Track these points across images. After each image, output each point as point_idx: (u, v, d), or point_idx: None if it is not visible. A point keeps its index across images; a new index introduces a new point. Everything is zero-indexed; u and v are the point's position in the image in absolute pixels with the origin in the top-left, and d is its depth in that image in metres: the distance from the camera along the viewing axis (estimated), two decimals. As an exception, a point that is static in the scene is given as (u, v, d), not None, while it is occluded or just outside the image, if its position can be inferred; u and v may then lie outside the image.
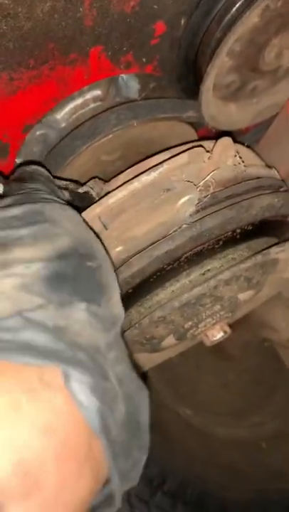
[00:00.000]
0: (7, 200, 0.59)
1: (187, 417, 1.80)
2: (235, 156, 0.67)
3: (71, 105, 0.87)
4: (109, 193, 0.65)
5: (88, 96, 0.87)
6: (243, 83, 0.91)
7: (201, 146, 0.66)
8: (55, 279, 0.48)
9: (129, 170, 0.73)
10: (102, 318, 0.51)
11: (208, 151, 0.66)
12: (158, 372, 1.77)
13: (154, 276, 0.70)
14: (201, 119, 0.89)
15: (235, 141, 0.79)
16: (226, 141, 0.66)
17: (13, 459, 0.39)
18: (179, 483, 1.60)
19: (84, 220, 0.59)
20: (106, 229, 0.64)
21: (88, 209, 0.65)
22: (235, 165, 0.67)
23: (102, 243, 0.58)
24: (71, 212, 0.58)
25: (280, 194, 0.71)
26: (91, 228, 0.58)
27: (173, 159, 0.64)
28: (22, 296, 0.46)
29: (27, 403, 0.40)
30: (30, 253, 0.50)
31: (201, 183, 0.64)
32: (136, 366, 0.58)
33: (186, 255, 0.69)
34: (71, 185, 0.71)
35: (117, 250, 0.65)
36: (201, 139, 0.88)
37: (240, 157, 0.68)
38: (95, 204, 0.65)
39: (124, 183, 0.65)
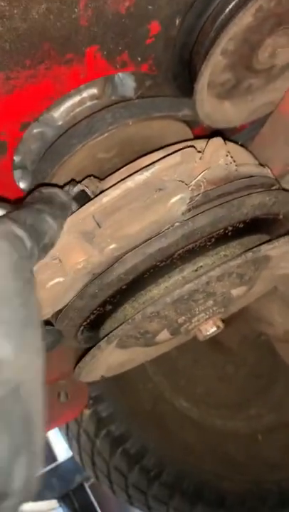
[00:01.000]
0: None
1: (185, 409, 1.82)
2: (227, 155, 0.68)
3: (68, 103, 0.89)
4: (103, 191, 0.66)
5: (85, 94, 0.89)
6: (237, 81, 0.92)
7: (192, 146, 0.68)
8: None
9: (122, 169, 0.74)
10: None
11: (199, 151, 0.67)
12: (156, 365, 1.79)
13: (148, 273, 0.71)
14: (196, 118, 0.91)
15: (228, 139, 0.80)
16: (217, 141, 0.68)
17: None
18: (176, 474, 1.62)
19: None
20: (99, 227, 0.66)
21: (82, 207, 0.67)
22: (227, 164, 0.69)
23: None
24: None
25: (271, 192, 0.72)
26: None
27: (165, 159, 0.65)
28: None
29: None
30: None
31: (193, 183, 0.65)
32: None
33: (178, 252, 0.70)
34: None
35: (111, 248, 0.67)
36: (196, 137, 0.89)
37: (232, 156, 0.69)
38: (89, 203, 0.66)
39: (118, 182, 0.66)
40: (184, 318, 0.81)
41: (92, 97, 0.89)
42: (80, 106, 0.89)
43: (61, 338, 0.85)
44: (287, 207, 0.76)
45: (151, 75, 0.88)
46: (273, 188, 0.78)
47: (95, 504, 2.76)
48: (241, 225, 0.73)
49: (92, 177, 0.77)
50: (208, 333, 0.84)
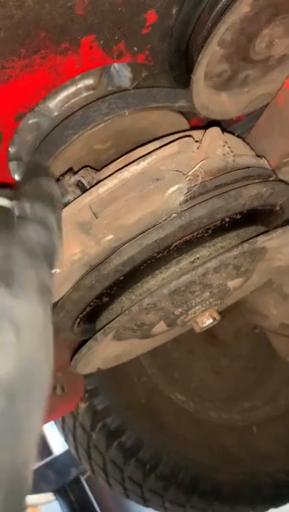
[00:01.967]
0: None
1: (180, 402, 1.83)
2: (224, 145, 0.68)
3: (64, 94, 0.88)
4: (99, 182, 0.66)
5: (80, 85, 0.88)
6: (234, 72, 0.92)
7: (190, 136, 0.67)
8: None
9: (119, 159, 0.74)
10: None
11: (197, 141, 0.67)
12: (151, 358, 1.80)
13: (145, 264, 0.71)
14: (193, 109, 0.90)
15: (225, 130, 0.80)
16: (215, 131, 0.67)
17: None
18: (172, 466, 1.63)
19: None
20: (96, 217, 0.65)
21: (78, 198, 0.67)
22: (224, 154, 0.68)
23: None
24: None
25: (268, 183, 0.72)
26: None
27: (162, 149, 0.65)
28: None
29: None
30: None
31: (190, 173, 0.65)
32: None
33: (175, 244, 0.70)
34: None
35: (108, 239, 0.66)
36: (193, 128, 0.89)
37: (229, 147, 0.69)
38: (86, 193, 0.66)
39: (115, 172, 0.66)
40: (180, 310, 0.81)
41: (88, 88, 0.88)
42: (75, 96, 0.88)
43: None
44: (283, 198, 0.76)
45: (148, 65, 0.87)
46: (270, 179, 0.78)
47: (91, 497, 2.77)
48: (238, 216, 0.72)
49: (88, 167, 0.77)
50: (204, 325, 0.84)
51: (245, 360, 2.00)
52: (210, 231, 0.72)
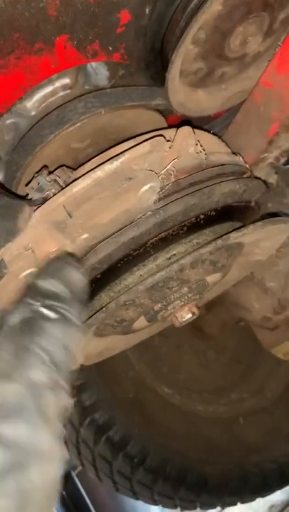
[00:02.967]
0: None
1: (167, 395, 1.85)
2: (197, 144, 0.69)
3: (41, 93, 0.88)
4: (73, 181, 0.66)
5: (57, 84, 0.88)
6: (210, 70, 0.93)
7: (162, 135, 0.68)
8: None
9: (95, 158, 0.75)
10: None
11: (168, 140, 0.68)
12: (138, 353, 1.81)
13: (122, 262, 0.72)
14: (170, 106, 0.91)
15: (200, 128, 0.81)
16: (186, 130, 0.68)
17: None
18: (160, 459, 1.65)
19: None
20: (70, 217, 0.66)
21: (53, 197, 0.67)
22: (197, 153, 0.69)
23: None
24: None
25: (242, 180, 0.74)
26: None
27: (134, 148, 0.66)
28: None
29: None
30: None
31: (163, 172, 0.66)
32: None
33: (151, 241, 0.71)
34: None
35: (83, 237, 0.67)
36: (170, 126, 0.90)
37: (202, 145, 0.70)
38: (59, 193, 0.67)
39: (88, 171, 0.66)
40: (159, 305, 0.82)
41: (64, 87, 0.88)
42: (52, 96, 0.88)
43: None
44: (258, 194, 0.77)
45: (124, 64, 0.88)
46: (245, 175, 0.79)
47: (83, 492, 2.78)
48: (213, 213, 0.74)
49: (64, 167, 0.78)
50: (184, 320, 0.85)
51: (232, 353, 2.02)
52: (185, 228, 0.73)
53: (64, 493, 2.78)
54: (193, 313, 0.86)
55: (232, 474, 1.74)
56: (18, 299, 0.57)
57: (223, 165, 0.75)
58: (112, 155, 0.68)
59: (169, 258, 0.75)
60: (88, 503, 2.74)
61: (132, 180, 0.65)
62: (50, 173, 0.75)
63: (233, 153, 0.84)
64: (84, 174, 0.65)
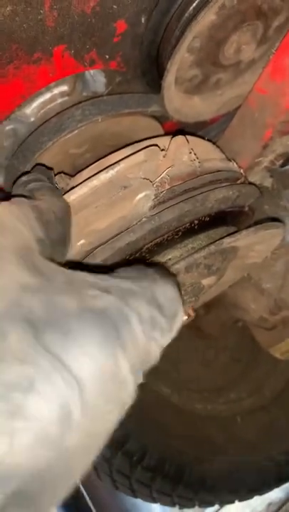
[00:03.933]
0: None
1: (166, 394, 1.87)
2: (190, 152, 0.71)
3: (39, 100, 0.90)
4: (71, 189, 0.68)
5: (56, 91, 0.90)
6: (205, 77, 0.95)
7: (156, 145, 0.70)
8: None
9: (92, 165, 0.77)
10: None
11: (163, 149, 0.70)
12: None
13: (118, 267, 0.74)
14: (165, 113, 0.93)
15: (194, 135, 0.83)
16: (180, 139, 0.70)
17: None
18: (158, 457, 1.67)
19: None
20: (68, 224, 0.68)
21: (51, 205, 0.69)
22: (191, 161, 0.71)
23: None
24: None
25: (235, 186, 0.75)
26: None
27: (129, 158, 0.68)
28: None
29: None
30: None
31: (157, 180, 0.68)
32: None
33: (147, 246, 0.73)
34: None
35: (80, 244, 0.69)
36: (166, 133, 0.91)
37: (195, 153, 0.72)
38: (57, 201, 0.69)
39: (86, 179, 0.68)
40: (155, 308, 0.84)
41: (62, 94, 0.90)
42: (51, 103, 0.90)
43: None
44: (251, 199, 0.79)
45: (121, 71, 0.90)
46: (238, 181, 0.81)
47: (82, 490, 2.81)
48: (207, 219, 0.76)
49: (62, 174, 0.80)
50: (179, 322, 0.87)
51: (231, 353, 2.04)
52: (180, 233, 0.75)
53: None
54: (189, 316, 0.88)
55: (229, 472, 1.76)
56: None
57: (217, 171, 0.77)
58: (108, 164, 0.70)
59: (165, 262, 0.77)
60: (88, 501, 2.76)
61: (128, 188, 0.67)
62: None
63: (228, 159, 0.86)
64: (81, 183, 0.67)
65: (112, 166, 0.67)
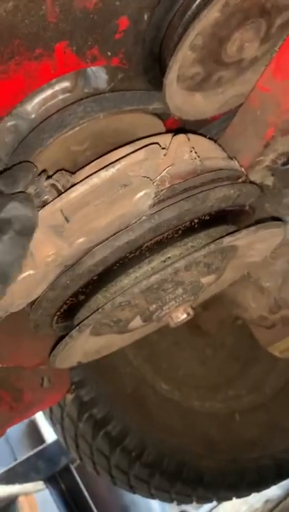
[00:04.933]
0: None
1: (165, 391, 1.87)
2: (191, 151, 0.71)
3: (41, 96, 0.90)
4: (72, 186, 0.68)
5: (57, 88, 0.90)
6: (207, 74, 0.94)
7: (156, 143, 0.70)
8: None
9: (93, 163, 0.76)
10: None
11: (164, 148, 0.70)
12: (136, 349, 1.84)
13: (118, 264, 0.74)
14: (167, 110, 0.93)
15: (196, 133, 0.83)
16: (181, 138, 0.70)
17: None
18: (157, 454, 1.68)
19: None
20: (67, 221, 0.68)
21: (51, 202, 0.69)
22: (192, 159, 0.71)
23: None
24: None
25: (236, 185, 0.75)
26: None
27: (130, 156, 0.68)
28: None
29: None
30: None
31: (157, 178, 0.68)
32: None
33: (146, 244, 0.73)
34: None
35: (80, 241, 0.69)
36: (168, 131, 0.91)
37: (196, 152, 0.72)
38: (57, 198, 0.69)
39: (86, 177, 0.68)
40: (155, 306, 0.84)
41: (64, 90, 0.90)
42: (52, 99, 0.90)
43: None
44: (252, 198, 0.79)
45: (123, 68, 0.90)
46: (239, 180, 0.81)
47: (81, 485, 2.82)
48: (207, 217, 0.76)
49: (63, 171, 0.79)
50: (178, 320, 0.87)
51: (229, 350, 2.04)
52: (180, 232, 0.75)
53: (63, 485, 2.82)
54: (188, 314, 0.88)
55: (228, 469, 1.76)
56: None
57: (218, 170, 0.76)
58: (109, 161, 0.70)
59: (164, 261, 0.77)
60: (87, 496, 2.78)
61: (128, 186, 0.67)
62: (49, 177, 0.77)
63: (229, 157, 0.86)
64: (81, 180, 0.67)
65: (112, 164, 0.67)
